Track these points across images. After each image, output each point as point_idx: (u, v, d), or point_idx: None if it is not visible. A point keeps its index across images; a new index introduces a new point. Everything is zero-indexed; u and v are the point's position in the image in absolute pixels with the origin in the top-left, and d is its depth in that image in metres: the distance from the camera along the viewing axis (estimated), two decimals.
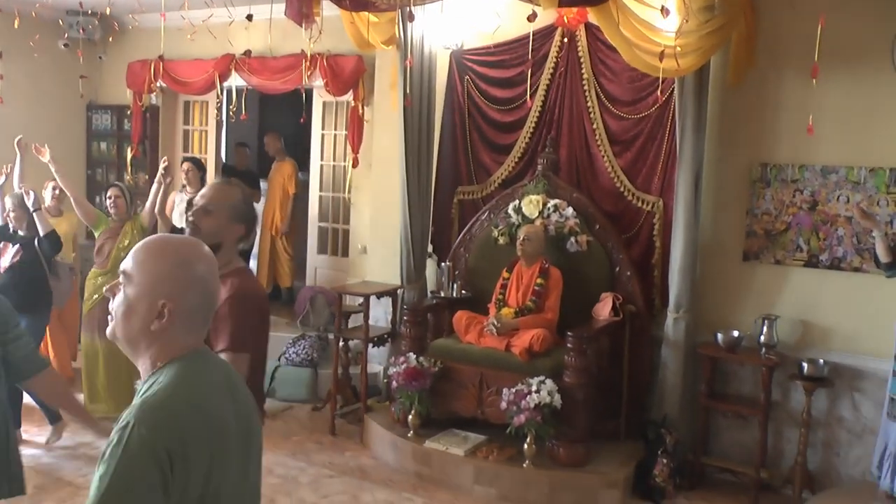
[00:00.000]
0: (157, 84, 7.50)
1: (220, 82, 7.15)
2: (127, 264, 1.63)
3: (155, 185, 5.76)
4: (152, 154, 7.92)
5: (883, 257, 4.41)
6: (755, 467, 4.94)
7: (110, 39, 7.39)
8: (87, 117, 8.42)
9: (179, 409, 1.52)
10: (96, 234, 5.91)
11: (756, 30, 5.04)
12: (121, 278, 1.63)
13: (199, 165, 6.84)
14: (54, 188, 6.17)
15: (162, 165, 5.71)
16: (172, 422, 1.49)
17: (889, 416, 4.28)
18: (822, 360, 4.83)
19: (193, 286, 1.62)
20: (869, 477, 4.53)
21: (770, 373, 4.91)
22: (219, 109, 7.79)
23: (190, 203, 2.68)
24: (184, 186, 6.86)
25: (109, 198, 5.84)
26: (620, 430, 5.29)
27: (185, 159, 7.06)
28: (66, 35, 7.38)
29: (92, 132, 8.41)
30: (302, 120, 6.76)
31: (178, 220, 6.71)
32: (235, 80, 7.11)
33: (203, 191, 2.74)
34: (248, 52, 7.01)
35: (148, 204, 5.79)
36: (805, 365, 4.81)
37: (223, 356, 2.39)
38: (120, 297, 1.63)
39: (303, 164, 7.99)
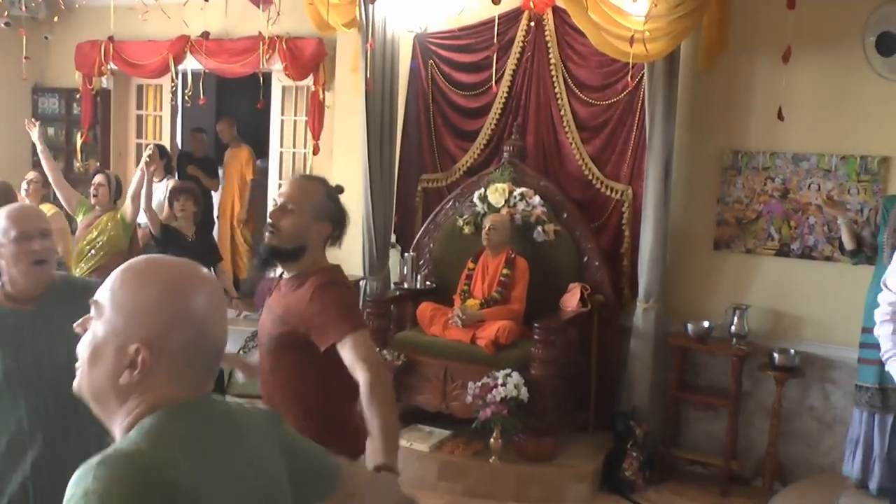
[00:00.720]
0: (108, 66, 7.35)
1: (175, 65, 7.01)
2: (100, 293, 1.25)
3: (138, 174, 5.39)
4: (103, 140, 7.76)
5: (847, 244, 4.48)
6: (726, 459, 4.97)
7: (56, 18, 7.19)
8: (32, 101, 8.22)
9: (134, 472, 1.12)
10: (78, 222, 5.63)
11: (728, 13, 5.03)
12: (91, 310, 1.26)
13: (162, 152, 6.63)
14: (29, 181, 5.96)
15: (146, 153, 5.34)
16: (126, 484, 1.10)
17: (860, 406, 4.33)
18: (793, 350, 4.85)
19: (182, 323, 1.22)
20: (839, 467, 4.57)
21: (741, 363, 4.93)
22: (174, 94, 7.65)
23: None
24: None
25: (93, 185, 5.54)
26: (589, 423, 5.28)
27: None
28: (6, 13, 7.17)
29: (38, 116, 8.14)
30: (259, 105, 6.66)
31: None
32: (191, 63, 6.98)
33: (283, 187, 2.55)
34: (205, 34, 6.89)
35: (130, 194, 5.42)
36: (776, 355, 4.82)
37: (345, 348, 2.27)
38: (87, 336, 1.25)
39: (261, 150, 7.91)
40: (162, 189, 6.52)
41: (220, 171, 8.18)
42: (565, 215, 5.40)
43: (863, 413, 4.32)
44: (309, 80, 6.63)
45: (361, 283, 5.96)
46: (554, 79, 5.52)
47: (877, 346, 4.07)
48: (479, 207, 5.50)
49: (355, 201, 5.77)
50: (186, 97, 6.89)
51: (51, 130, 8.17)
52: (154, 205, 6.40)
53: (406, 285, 5.63)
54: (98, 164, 7.65)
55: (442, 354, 5.05)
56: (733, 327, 4.97)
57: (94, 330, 1.24)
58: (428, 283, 5.65)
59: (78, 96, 7.76)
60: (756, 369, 4.99)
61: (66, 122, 8.10)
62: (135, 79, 7.83)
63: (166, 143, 7.81)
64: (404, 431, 5.09)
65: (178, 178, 7.79)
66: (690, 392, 5.21)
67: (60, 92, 8.10)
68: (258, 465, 1.31)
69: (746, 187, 5.14)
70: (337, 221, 2.55)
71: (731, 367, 4.98)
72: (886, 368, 3.25)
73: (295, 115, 7.18)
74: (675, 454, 5.19)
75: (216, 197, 8.02)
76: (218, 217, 7.89)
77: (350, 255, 5.98)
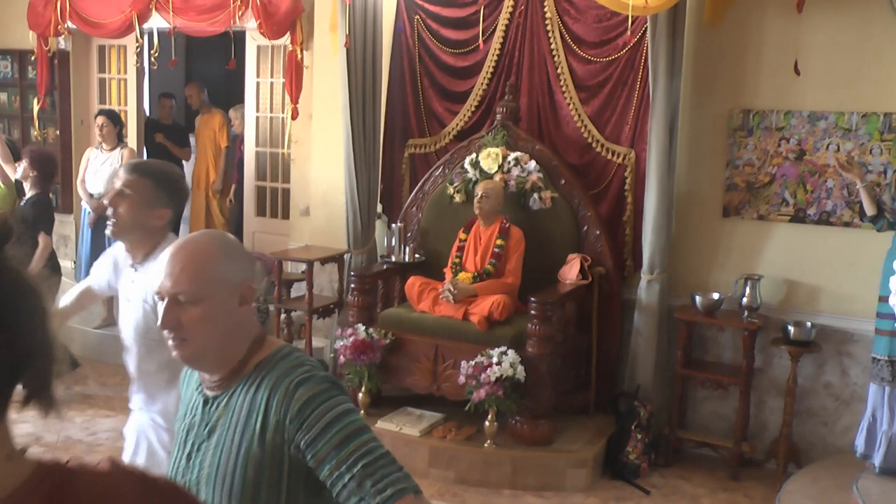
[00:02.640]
0: (65, 25, 7.20)
1: (140, 24, 6.87)
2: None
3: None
4: (63, 106, 7.65)
5: (868, 210, 4.47)
6: (736, 440, 4.98)
7: None
8: None
9: None
10: None
11: None
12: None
13: (114, 119, 6.66)
14: None
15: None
16: None
17: (873, 380, 4.36)
18: (809, 323, 4.86)
19: None
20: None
21: (752, 337, 4.93)
22: (139, 55, 7.53)
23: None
24: (99, 143, 6.68)
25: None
26: (589, 404, 5.30)
27: (100, 112, 6.86)
28: None
29: None
30: (231, 65, 6.55)
31: (92, 179, 6.61)
32: (157, 22, 6.85)
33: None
34: None
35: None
36: (790, 328, 4.81)
37: None
38: None
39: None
40: (117, 158, 6.51)
41: (192, 140, 8.13)
42: (563, 181, 5.37)
43: (876, 388, 4.37)
44: (285, 39, 6.48)
45: (345, 256, 5.95)
46: (549, 34, 5.46)
47: (891, 316, 4.09)
48: (471, 174, 5.47)
49: (337, 169, 5.91)
50: (153, 59, 6.75)
51: (3, 96, 8.09)
52: (105, 176, 6.41)
53: (393, 258, 5.61)
54: (58, 132, 7.58)
55: (432, 332, 5.04)
56: (744, 299, 4.94)
57: None
58: (416, 255, 5.63)
59: (32, 59, 7.57)
60: (769, 344, 4.99)
61: (21, 88, 7.98)
62: (95, 39, 7.70)
63: (132, 109, 7.72)
64: (393, 414, 5.14)
65: (146, 147, 7.76)
66: (698, 369, 5.19)
67: (13, 54, 7.96)
68: None
69: (758, 149, 5.10)
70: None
71: (741, 341, 4.98)
72: None
73: (271, 76, 7.11)
74: (681, 436, 5.19)
75: (188, 167, 7.96)
76: (190, 188, 7.75)
77: (333, 226, 6.09)
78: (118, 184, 2.70)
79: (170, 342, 1.79)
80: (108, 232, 2.73)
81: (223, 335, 1.80)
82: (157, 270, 1.80)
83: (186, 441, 1.85)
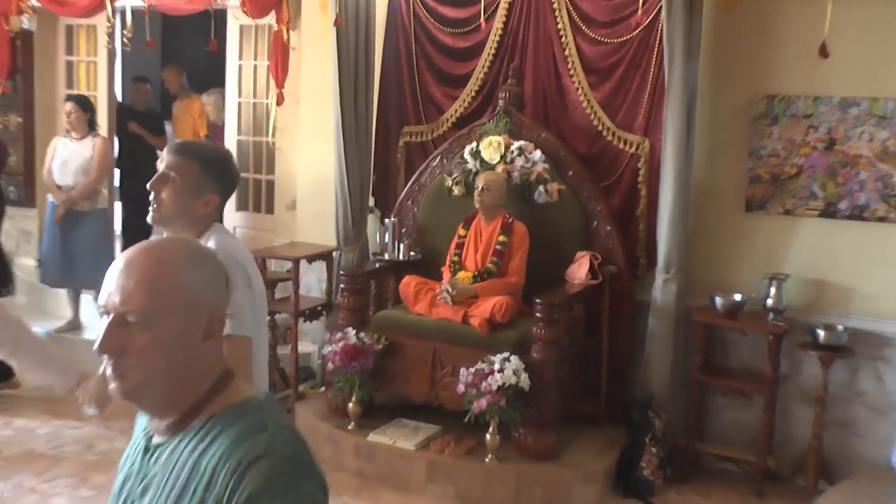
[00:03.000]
0: (29, 3, 7.10)
1: (111, 2, 6.79)
2: None
3: None
4: (26, 91, 7.50)
5: None
6: (760, 454, 4.93)
7: None
8: None
9: None
10: None
11: None
12: None
13: (84, 105, 6.58)
14: None
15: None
16: None
17: None
18: (840, 326, 4.81)
19: None
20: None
21: (778, 341, 4.87)
22: (110, 36, 7.39)
23: None
24: (67, 131, 6.62)
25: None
26: (600, 414, 5.27)
27: (68, 98, 6.79)
28: None
29: None
30: (211, 46, 6.45)
31: (60, 170, 6.53)
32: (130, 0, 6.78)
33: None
34: None
35: None
36: (820, 332, 4.78)
37: None
38: None
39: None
40: (88, 147, 6.47)
41: (168, 128, 8.06)
42: (570, 172, 5.34)
43: None
44: (270, 18, 6.39)
45: (335, 254, 5.95)
46: (556, 13, 5.43)
47: None
48: (471, 164, 5.44)
49: (326, 159, 5.91)
50: (125, 40, 6.66)
51: None
52: (75, 167, 6.35)
53: (387, 256, 5.60)
54: (20, 119, 7.47)
55: (429, 336, 5.01)
56: (769, 300, 4.90)
57: None
58: (412, 253, 5.62)
59: None
60: (796, 349, 4.95)
61: None
62: (62, 18, 7.56)
63: (102, 94, 7.59)
64: (387, 426, 5.14)
65: (118, 136, 7.65)
66: (718, 376, 5.14)
67: None
68: None
69: (783, 138, 5.06)
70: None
71: (766, 346, 4.92)
72: None
73: (255, 59, 7.02)
74: (700, 449, 5.15)
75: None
76: None
77: (321, 221, 6.08)
78: (161, 166, 2.62)
79: (108, 370, 1.49)
80: (149, 219, 2.64)
81: (176, 371, 1.50)
82: (105, 280, 1.52)
83: (120, 494, 1.60)
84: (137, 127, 7.77)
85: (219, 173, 2.65)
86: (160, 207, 2.59)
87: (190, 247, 1.58)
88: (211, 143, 2.69)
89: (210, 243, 2.53)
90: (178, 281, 1.49)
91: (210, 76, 8.00)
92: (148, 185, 2.61)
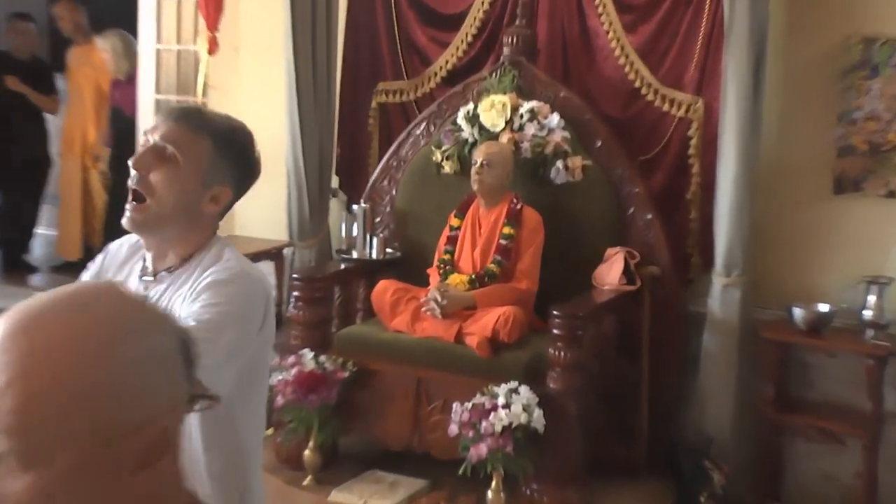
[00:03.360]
0: None
1: None
2: None
3: None
4: None
5: None
6: None
7: None
8: None
9: None
10: None
11: None
12: None
13: None
14: None
15: None
16: None
17: None
18: None
19: None
20: None
21: (880, 367, 4.54)
22: None
23: None
24: None
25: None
26: (639, 463, 4.98)
27: None
28: None
29: None
30: None
31: None
32: None
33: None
34: None
35: None
36: None
37: None
38: None
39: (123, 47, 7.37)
40: None
41: (61, 83, 7.74)
42: (599, 143, 5.11)
43: None
44: None
45: (286, 251, 5.86)
46: None
47: None
48: (467, 132, 5.24)
49: (276, 127, 5.76)
50: None
51: None
52: None
53: (355, 254, 5.44)
54: None
55: (411, 360, 4.76)
56: (867, 312, 4.65)
57: None
58: (388, 250, 5.44)
59: None
60: None
61: None
62: None
63: None
64: (355, 481, 4.90)
65: None
66: (798, 412, 4.90)
67: None
68: None
69: (886, 95, 4.78)
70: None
71: (864, 372, 4.60)
72: None
73: None
74: None
75: (55, 122, 7.62)
76: (59, 154, 7.44)
77: (269, 209, 5.95)
78: (154, 137, 2.23)
79: None
80: (124, 221, 2.23)
81: None
82: None
83: None
84: (17, 83, 7.40)
85: (237, 157, 2.32)
86: (148, 198, 2.20)
87: (117, 308, 1.21)
88: (226, 114, 2.38)
89: (221, 263, 2.26)
90: (88, 379, 1.11)
91: (118, 14, 7.65)
92: (131, 161, 2.20)
